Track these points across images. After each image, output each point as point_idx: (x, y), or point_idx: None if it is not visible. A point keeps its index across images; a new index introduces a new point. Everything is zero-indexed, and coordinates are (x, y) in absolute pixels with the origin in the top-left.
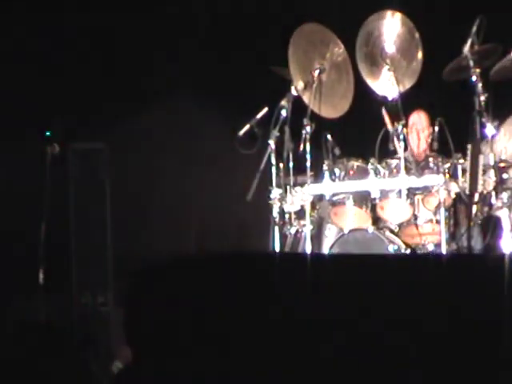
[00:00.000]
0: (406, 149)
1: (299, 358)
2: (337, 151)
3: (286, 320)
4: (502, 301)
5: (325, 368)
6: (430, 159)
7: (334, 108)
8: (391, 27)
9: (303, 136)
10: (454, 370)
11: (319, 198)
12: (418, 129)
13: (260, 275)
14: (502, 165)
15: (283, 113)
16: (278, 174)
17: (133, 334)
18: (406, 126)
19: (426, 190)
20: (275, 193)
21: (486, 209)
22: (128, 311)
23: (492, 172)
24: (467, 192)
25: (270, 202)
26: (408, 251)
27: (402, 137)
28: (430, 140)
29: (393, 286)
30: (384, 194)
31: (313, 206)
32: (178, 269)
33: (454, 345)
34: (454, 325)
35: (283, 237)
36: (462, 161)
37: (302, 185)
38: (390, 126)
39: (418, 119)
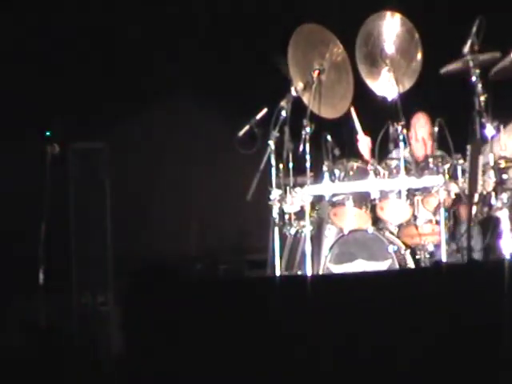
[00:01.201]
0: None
1: (299, 362)
2: (336, 152)
3: (287, 324)
4: (502, 305)
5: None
6: (430, 160)
7: (333, 108)
8: (391, 27)
9: (303, 136)
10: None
11: (319, 199)
12: (422, 132)
13: (260, 276)
14: (501, 165)
15: (283, 113)
16: (277, 175)
17: (132, 334)
18: (408, 127)
19: (426, 191)
20: (275, 193)
21: (485, 209)
22: (127, 311)
23: (492, 173)
24: (467, 192)
25: (269, 202)
26: (408, 252)
27: (401, 137)
28: (432, 141)
29: (392, 302)
30: (384, 195)
31: (313, 206)
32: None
33: (454, 354)
34: (454, 335)
35: (283, 237)
36: (461, 161)
37: (301, 185)
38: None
39: (421, 122)
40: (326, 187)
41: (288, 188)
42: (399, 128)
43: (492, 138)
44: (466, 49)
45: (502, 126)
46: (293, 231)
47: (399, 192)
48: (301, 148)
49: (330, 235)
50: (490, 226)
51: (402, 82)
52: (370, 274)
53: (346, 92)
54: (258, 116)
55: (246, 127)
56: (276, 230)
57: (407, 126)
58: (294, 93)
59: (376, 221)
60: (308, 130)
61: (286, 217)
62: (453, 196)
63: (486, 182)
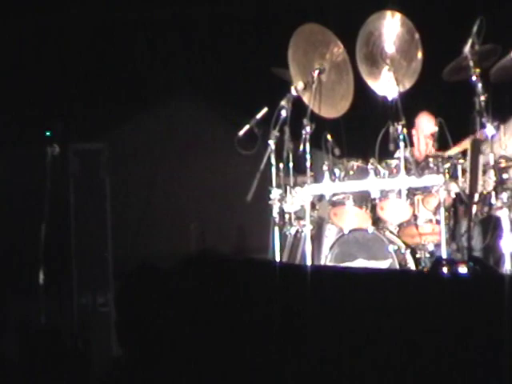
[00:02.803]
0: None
1: (295, 362)
2: (337, 151)
3: (286, 326)
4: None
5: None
6: (430, 159)
7: (333, 108)
8: (391, 27)
9: (303, 136)
10: None
11: (319, 198)
12: (427, 133)
13: (258, 279)
14: (502, 165)
15: (283, 113)
16: (277, 174)
17: (131, 334)
18: (411, 126)
19: (426, 190)
20: (275, 193)
21: (485, 209)
22: (125, 311)
23: (492, 172)
24: (467, 192)
25: (269, 202)
26: (408, 252)
27: (401, 137)
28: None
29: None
30: (384, 194)
31: (313, 206)
32: (176, 269)
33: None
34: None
35: (283, 237)
36: (461, 161)
37: (301, 185)
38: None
39: (428, 123)
40: (326, 187)
41: (288, 187)
42: (399, 128)
43: (492, 137)
44: (467, 49)
45: (502, 127)
46: (293, 231)
47: (399, 191)
48: (301, 147)
49: (330, 235)
50: (490, 225)
51: (402, 82)
52: (368, 271)
53: (346, 92)
54: (259, 116)
55: (246, 127)
56: (276, 229)
57: (410, 125)
58: (294, 92)
59: (376, 220)
60: (308, 129)
61: (286, 216)
62: (453, 195)
63: (486, 181)
